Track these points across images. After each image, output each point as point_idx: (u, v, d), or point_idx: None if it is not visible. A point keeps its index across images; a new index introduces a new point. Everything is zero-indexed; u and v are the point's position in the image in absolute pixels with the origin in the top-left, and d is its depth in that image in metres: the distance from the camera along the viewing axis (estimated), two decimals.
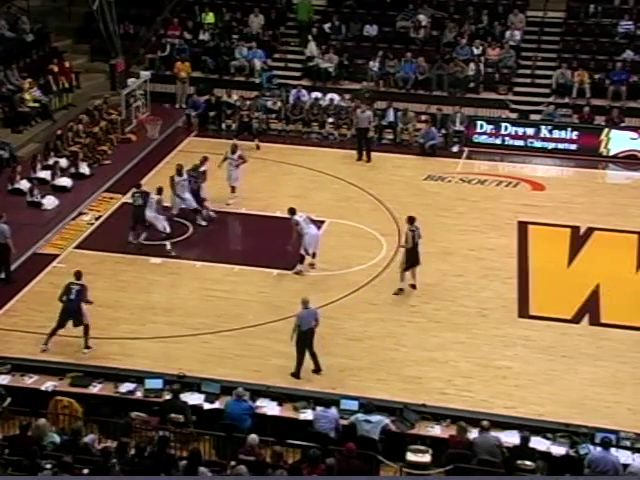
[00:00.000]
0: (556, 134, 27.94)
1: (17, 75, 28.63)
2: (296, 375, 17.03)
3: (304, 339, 16.99)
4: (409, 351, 18.04)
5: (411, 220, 19.82)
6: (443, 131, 27.97)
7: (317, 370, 17.19)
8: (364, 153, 27.02)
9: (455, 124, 28.23)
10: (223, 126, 29.23)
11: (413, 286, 20.01)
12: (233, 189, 23.88)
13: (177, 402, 15.33)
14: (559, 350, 18.11)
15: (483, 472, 13.89)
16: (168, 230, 21.38)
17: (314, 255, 20.75)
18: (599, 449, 14.26)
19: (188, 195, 22.49)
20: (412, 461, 14.55)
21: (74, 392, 15.86)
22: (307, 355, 17.11)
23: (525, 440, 14.46)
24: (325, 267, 20.88)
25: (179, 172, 22.54)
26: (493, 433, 14.57)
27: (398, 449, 14.72)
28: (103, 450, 13.61)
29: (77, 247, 21.91)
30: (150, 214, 21.26)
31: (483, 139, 28.20)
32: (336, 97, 29.74)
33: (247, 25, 32.95)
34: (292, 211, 20.62)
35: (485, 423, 14.56)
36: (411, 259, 19.74)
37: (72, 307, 17.73)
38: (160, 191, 21.70)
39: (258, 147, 27.21)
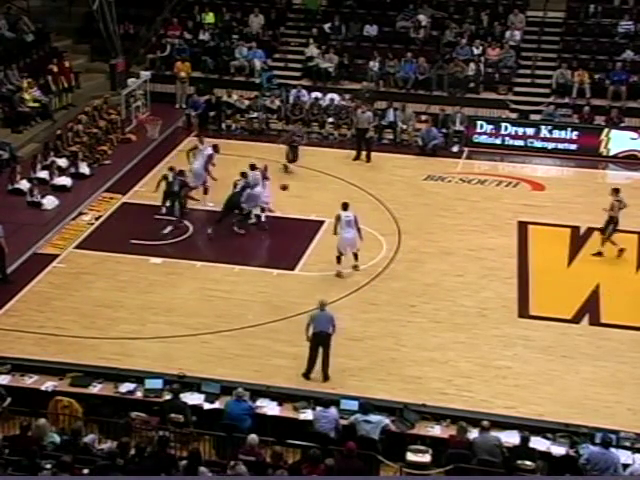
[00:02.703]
0: (556, 134, 27.96)
1: (17, 75, 28.63)
2: (306, 376, 16.98)
3: (315, 341, 16.94)
4: (409, 351, 18.04)
5: (616, 191, 21.78)
6: (444, 131, 27.98)
7: (324, 377, 17.08)
8: (363, 153, 27.03)
9: (455, 124, 28.25)
10: (223, 126, 29.25)
11: (621, 250, 21.60)
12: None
13: (177, 402, 15.33)
14: (559, 350, 18.11)
15: (483, 472, 13.89)
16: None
17: (355, 256, 20.57)
18: (599, 448, 14.26)
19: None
20: (412, 461, 14.54)
21: (74, 392, 15.84)
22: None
23: (525, 440, 14.46)
24: (325, 267, 20.88)
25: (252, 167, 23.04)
26: (493, 433, 14.57)
27: (398, 449, 14.72)
28: (109, 452, 13.60)
29: (77, 247, 21.91)
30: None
31: (483, 139, 28.21)
32: (336, 97, 29.75)
33: (247, 25, 32.97)
34: (344, 206, 20.49)
35: (485, 423, 14.56)
36: (612, 227, 21.58)
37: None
38: (244, 175, 22.42)
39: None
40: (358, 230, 20.33)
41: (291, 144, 26.27)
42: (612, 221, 21.60)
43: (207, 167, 23.69)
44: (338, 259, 20.47)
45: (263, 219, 22.82)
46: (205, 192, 23.71)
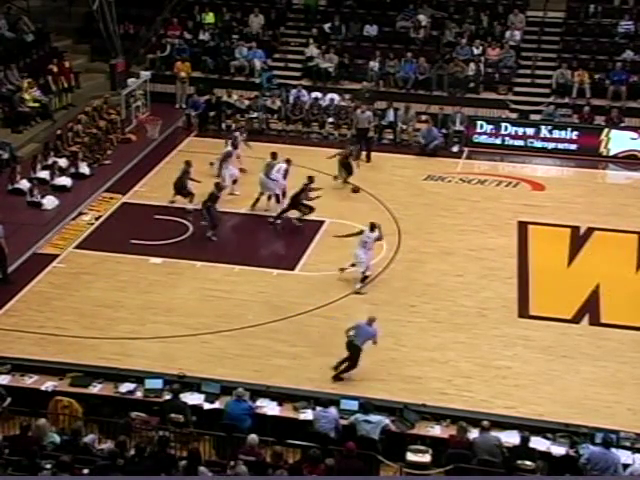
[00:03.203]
0: (556, 134, 27.94)
1: (17, 75, 28.63)
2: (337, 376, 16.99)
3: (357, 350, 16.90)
4: (409, 351, 18.04)
5: None
6: (443, 131, 27.98)
7: (336, 376, 17.02)
8: (363, 153, 27.04)
9: (455, 124, 28.25)
10: (223, 126, 29.24)
11: None
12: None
13: (177, 402, 15.33)
14: (559, 350, 18.11)
15: (483, 472, 13.89)
16: None
17: (364, 278, 20.24)
18: (600, 448, 14.25)
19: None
20: (412, 461, 14.54)
21: (74, 392, 15.84)
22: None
23: (525, 440, 14.46)
24: (325, 267, 20.88)
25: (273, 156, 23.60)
26: (493, 433, 14.57)
27: (398, 449, 14.72)
28: (109, 452, 13.60)
29: (77, 247, 21.90)
30: None
31: (483, 139, 28.20)
32: (336, 97, 29.75)
33: (247, 25, 32.97)
34: (372, 226, 20.26)
35: (485, 423, 14.56)
36: None
37: None
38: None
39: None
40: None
41: (345, 161, 25.38)
42: None
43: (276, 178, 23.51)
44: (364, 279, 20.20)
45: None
46: (277, 200, 23.39)
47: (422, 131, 27.75)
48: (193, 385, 16.10)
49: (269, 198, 23.53)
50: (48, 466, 13.17)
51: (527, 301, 19.87)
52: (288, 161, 23.88)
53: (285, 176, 23.47)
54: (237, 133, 25.96)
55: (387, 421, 15.06)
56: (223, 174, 23.97)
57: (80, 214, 23.45)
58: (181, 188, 23.37)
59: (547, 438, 15.04)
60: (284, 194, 23.31)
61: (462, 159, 27.40)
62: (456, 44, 31.30)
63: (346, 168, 25.28)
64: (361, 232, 20.42)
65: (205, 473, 13.22)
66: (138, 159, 27.05)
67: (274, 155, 23.82)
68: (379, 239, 20.41)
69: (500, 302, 19.74)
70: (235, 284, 20.34)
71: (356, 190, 24.55)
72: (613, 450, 14.29)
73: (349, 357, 17.00)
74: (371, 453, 14.29)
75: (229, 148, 24.80)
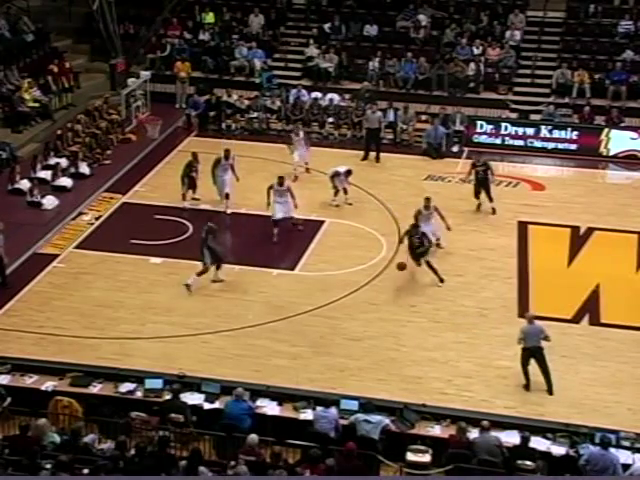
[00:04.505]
0: (556, 134, 27.95)
1: (17, 75, 28.63)
2: (526, 387, 16.88)
3: (526, 356, 16.83)
4: (409, 351, 18.04)
5: None
6: (443, 130, 27.96)
7: (549, 390, 16.83)
8: (371, 153, 27.05)
9: (455, 124, 28.25)
10: (223, 126, 29.26)
11: None
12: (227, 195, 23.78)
13: (177, 402, 15.33)
14: (559, 350, 18.07)
15: (483, 472, 13.89)
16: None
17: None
18: (598, 448, 14.26)
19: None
20: (412, 461, 14.54)
21: (74, 392, 15.84)
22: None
23: (525, 440, 14.46)
24: (325, 267, 20.89)
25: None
26: (493, 433, 14.57)
27: (398, 449, 14.72)
28: (112, 453, 13.60)
29: (77, 247, 21.91)
30: None
31: (483, 139, 28.21)
32: (336, 97, 29.77)
33: (247, 25, 32.97)
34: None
35: (485, 423, 14.56)
36: None
37: None
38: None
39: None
40: None
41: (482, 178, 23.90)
42: None
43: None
44: None
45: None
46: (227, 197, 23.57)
47: (428, 131, 27.68)
48: (193, 385, 16.10)
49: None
50: (48, 466, 13.16)
51: (527, 301, 19.87)
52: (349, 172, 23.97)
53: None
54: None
55: (387, 421, 15.05)
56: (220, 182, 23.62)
57: (80, 214, 23.46)
58: (184, 177, 23.42)
59: (547, 438, 15.03)
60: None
61: (462, 159, 27.37)
62: (456, 44, 31.30)
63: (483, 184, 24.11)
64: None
65: (205, 473, 13.23)
66: (138, 159, 27.06)
67: (227, 153, 23.46)
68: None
69: (500, 302, 19.74)
70: (235, 284, 20.33)
71: (402, 267, 20.33)
72: (612, 450, 14.29)
73: (540, 367, 16.85)
74: (371, 453, 14.29)
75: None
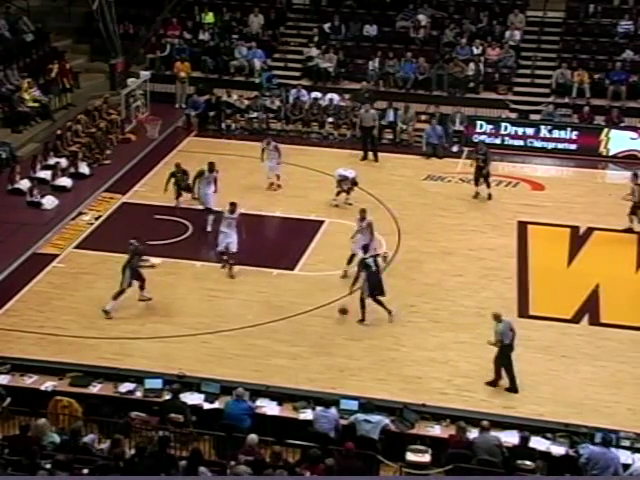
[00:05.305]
0: (556, 134, 27.98)
1: (17, 75, 28.63)
2: (512, 389, 16.79)
3: (508, 353, 16.81)
4: (409, 351, 18.04)
5: (636, 176, 22.56)
6: (442, 129, 27.97)
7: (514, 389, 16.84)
8: (369, 153, 27.06)
9: (455, 124, 28.25)
10: (223, 126, 29.26)
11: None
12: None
13: (177, 402, 15.33)
14: (559, 350, 18.11)
15: (483, 472, 13.89)
16: None
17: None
18: (599, 447, 14.26)
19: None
20: (412, 461, 14.54)
21: (74, 392, 15.84)
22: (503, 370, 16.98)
23: (525, 440, 14.47)
24: (325, 267, 20.88)
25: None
26: (493, 433, 14.57)
27: (398, 449, 14.72)
28: (114, 455, 13.60)
29: (77, 247, 21.91)
30: None
31: (483, 139, 28.20)
32: (336, 97, 29.77)
33: (247, 25, 32.97)
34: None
35: (485, 423, 14.56)
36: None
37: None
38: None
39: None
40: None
41: (482, 165, 24.66)
42: (637, 206, 22.22)
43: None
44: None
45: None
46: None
47: (427, 131, 27.68)
48: (193, 385, 16.10)
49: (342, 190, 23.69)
50: (48, 466, 13.16)
51: (527, 301, 19.88)
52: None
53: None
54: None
55: (387, 421, 15.06)
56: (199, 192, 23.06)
57: (80, 214, 23.46)
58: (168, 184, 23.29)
59: (547, 438, 15.04)
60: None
61: (462, 159, 27.38)
62: (456, 44, 31.31)
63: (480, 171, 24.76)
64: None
65: (205, 473, 13.23)
66: (138, 159, 27.06)
67: (211, 166, 22.66)
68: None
69: (500, 302, 19.70)
70: (235, 284, 20.33)
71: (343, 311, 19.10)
72: (612, 449, 14.29)
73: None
74: (371, 453, 14.29)
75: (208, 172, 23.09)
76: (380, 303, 18.74)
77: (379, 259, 19.13)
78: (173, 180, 23.42)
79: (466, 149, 27.88)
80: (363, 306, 18.77)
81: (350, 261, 20.11)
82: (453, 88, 30.36)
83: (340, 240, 21.96)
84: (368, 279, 18.58)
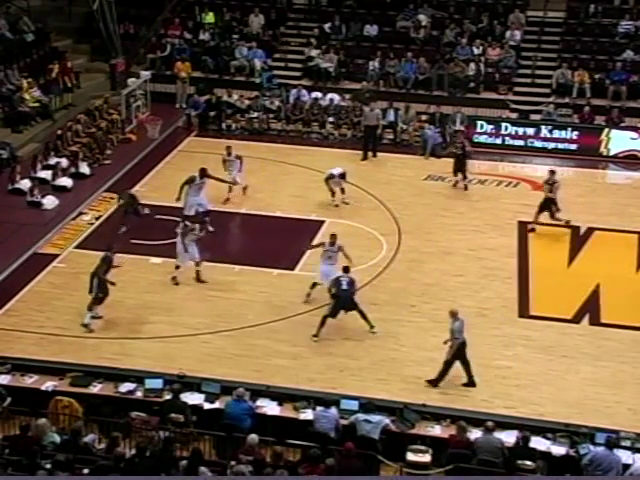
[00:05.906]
0: (556, 134, 27.97)
1: (17, 75, 28.63)
2: (471, 384, 16.85)
3: (463, 350, 16.84)
4: (409, 351, 18.04)
5: (553, 172, 22.92)
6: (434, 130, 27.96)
7: (472, 384, 16.93)
8: (369, 153, 27.05)
9: (455, 124, 28.25)
10: (223, 126, 29.26)
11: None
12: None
13: (177, 402, 15.33)
14: (559, 350, 18.11)
15: (483, 472, 13.89)
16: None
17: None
18: (603, 448, 14.25)
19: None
20: (412, 461, 14.55)
21: (74, 392, 15.84)
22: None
23: (525, 440, 14.46)
24: None
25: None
26: (496, 434, 14.55)
27: (398, 449, 14.72)
28: (116, 454, 13.61)
29: (77, 247, 21.92)
30: None
31: (483, 139, 28.21)
32: (336, 97, 29.77)
33: (247, 25, 32.97)
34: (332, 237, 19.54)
35: (490, 424, 14.49)
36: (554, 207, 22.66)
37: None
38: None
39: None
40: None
41: (460, 155, 25.27)
42: (552, 202, 22.59)
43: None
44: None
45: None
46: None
47: (423, 132, 27.67)
48: (193, 385, 16.10)
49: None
50: (48, 466, 13.16)
51: (527, 301, 19.88)
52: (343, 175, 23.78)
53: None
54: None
55: (387, 421, 15.06)
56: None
57: (80, 214, 23.46)
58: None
59: (547, 438, 15.03)
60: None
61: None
62: (456, 44, 31.31)
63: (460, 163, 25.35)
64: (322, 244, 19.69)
65: (205, 473, 13.23)
66: (138, 159, 27.06)
67: (202, 172, 22.30)
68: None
69: (500, 302, 19.74)
70: (235, 284, 20.34)
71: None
72: (616, 452, 14.28)
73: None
74: (371, 453, 14.30)
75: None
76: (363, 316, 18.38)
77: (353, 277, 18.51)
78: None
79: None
80: (323, 323, 18.21)
81: (313, 286, 19.49)
82: (453, 88, 30.36)
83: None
84: (337, 297, 18.09)
